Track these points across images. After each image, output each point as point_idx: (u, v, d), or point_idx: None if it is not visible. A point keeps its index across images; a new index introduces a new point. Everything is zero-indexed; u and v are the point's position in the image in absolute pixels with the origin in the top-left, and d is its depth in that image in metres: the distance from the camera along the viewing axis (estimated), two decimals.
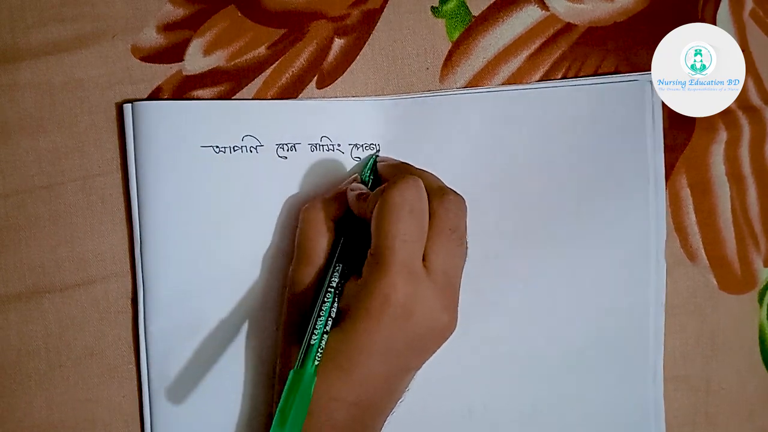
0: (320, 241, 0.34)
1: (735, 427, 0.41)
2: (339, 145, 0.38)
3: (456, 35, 0.39)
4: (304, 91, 0.38)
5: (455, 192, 0.33)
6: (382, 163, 0.37)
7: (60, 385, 0.38)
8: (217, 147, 0.37)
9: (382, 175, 0.37)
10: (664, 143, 0.40)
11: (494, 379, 0.39)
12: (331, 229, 0.35)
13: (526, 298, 0.39)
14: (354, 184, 0.36)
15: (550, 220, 0.39)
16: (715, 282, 0.41)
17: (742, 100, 0.40)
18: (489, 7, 0.39)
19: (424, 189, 0.32)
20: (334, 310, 0.32)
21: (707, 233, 0.41)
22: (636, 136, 0.39)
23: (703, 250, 0.41)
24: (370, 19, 0.38)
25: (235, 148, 0.37)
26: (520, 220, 0.39)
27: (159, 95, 0.37)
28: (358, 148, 0.38)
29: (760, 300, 0.41)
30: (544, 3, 0.39)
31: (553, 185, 0.39)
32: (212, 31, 0.38)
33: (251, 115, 0.37)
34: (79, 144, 0.37)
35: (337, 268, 0.33)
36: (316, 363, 0.30)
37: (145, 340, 0.37)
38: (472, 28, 0.39)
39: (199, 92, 0.38)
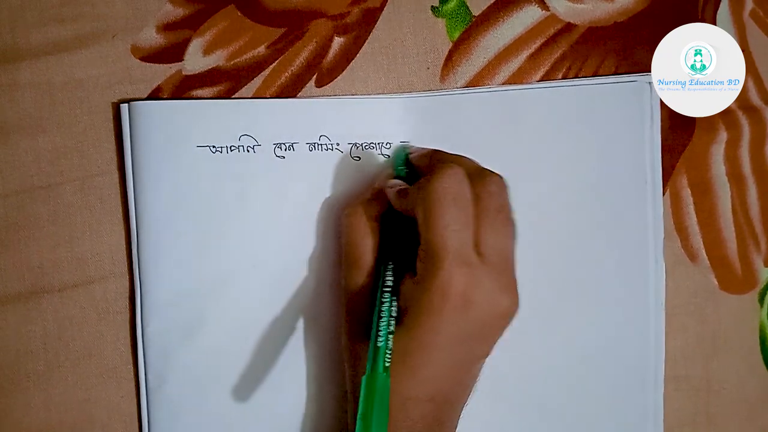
0: (367, 243, 0.34)
1: (735, 427, 0.41)
2: (338, 144, 0.38)
3: (456, 35, 0.39)
4: (303, 89, 0.38)
5: (494, 172, 0.33)
6: (415, 154, 0.37)
7: (58, 385, 0.38)
8: (214, 147, 0.37)
9: (417, 166, 0.36)
10: (665, 144, 0.40)
11: (494, 381, 0.39)
12: (376, 229, 0.34)
13: (525, 298, 0.39)
14: (391, 181, 0.35)
15: (548, 221, 0.39)
16: (716, 282, 0.41)
17: (742, 100, 0.40)
18: (489, 7, 0.39)
19: (464, 174, 0.32)
20: (395, 310, 0.32)
21: (708, 233, 0.40)
22: (635, 137, 0.39)
23: (704, 250, 0.40)
24: (370, 18, 0.38)
25: (232, 148, 0.37)
26: (519, 220, 0.38)
27: (159, 95, 0.37)
28: (357, 147, 0.38)
29: (761, 300, 0.41)
30: (544, 3, 0.39)
31: (551, 186, 0.39)
32: (212, 31, 0.38)
33: (248, 115, 0.37)
34: (79, 144, 0.37)
35: (389, 266, 0.33)
36: (387, 364, 0.30)
37: (143, 341, 0.37)
38: (473, 28, 0.39)
39: (199, 92, 0.38)
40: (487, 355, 0.33)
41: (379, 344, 0.30)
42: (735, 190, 0.41)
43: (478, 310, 0.31)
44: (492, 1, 0.39)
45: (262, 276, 0.38)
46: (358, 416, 0.29)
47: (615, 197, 0.39)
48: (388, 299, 0.32)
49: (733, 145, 0.41)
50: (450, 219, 0.31)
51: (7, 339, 0.37)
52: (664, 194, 0.40)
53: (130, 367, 0.38)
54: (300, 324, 0.38)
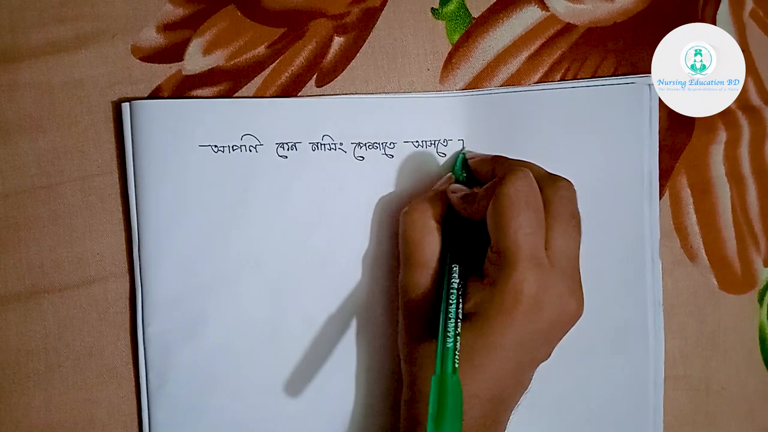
0: (429, 243, 0.34)
1: (735, 427, 0.41)
2: (341, 143, 0.38)
3: (456, 37, 0.39)
4: (303, 89, 0.38)
5: (563, 177, 0.34)
6: (474, 158, 0.37)
7: (58, 385, 0.38)
8: (216, 146, 0.37)
9: (476, 171, 0.37)
10: (665, 144, 0.40)
11: None
12: (438, 230, 0.34)
13: None
14: (454, 185, 0.36)
15: None
16: (716, 282, 0.41)
17: (742, 100, 0.40)
18: (489, 9, 0.39)
19: (533, 178, 0.32)
20: (461, 311, 0.32)
21: (707, 233, 0.40)
22: (633, 138, 0.39)
23: (703, 250, 0.41)
24: (370, 18, 0.38)
25: (234, 148, 0.37)
26: None
27: (159, 95, 0.37)
28: (360, 147, 0.38)
29: (760, 300, 0.41)
30: (544, 3, 0.39)
31: None
32: (212, 31, 0.38)
33: (251, 114, 0.37)
34: (79, 144, 0.37)
35: (455, 268, 0.33)
36: (456, 365, 0.30)
37: (144, 341, 0.37)
38: (472, 29, 0.39)
39: (199, 92, 0.38)
40: (547, 357, 0.34)
41: (448, 345, 0.30)
42: (734, 190, 0.41)
43: (548, 313, 0.31)
44: (492, 2, 0.39)
45: (264, 276, 0.38)
46: (429, 417, 0.29)
47: (613, 198, 0.39)
48: (454, 301, 0.32)
49: (732, 145, 0.41)
50: (523, 222, 0.31)
51: (7, 339, 0.37)
52: (663, 194, 0.40)
53: (131, 367, 0.38)
54: (301, 323, 0.38)
